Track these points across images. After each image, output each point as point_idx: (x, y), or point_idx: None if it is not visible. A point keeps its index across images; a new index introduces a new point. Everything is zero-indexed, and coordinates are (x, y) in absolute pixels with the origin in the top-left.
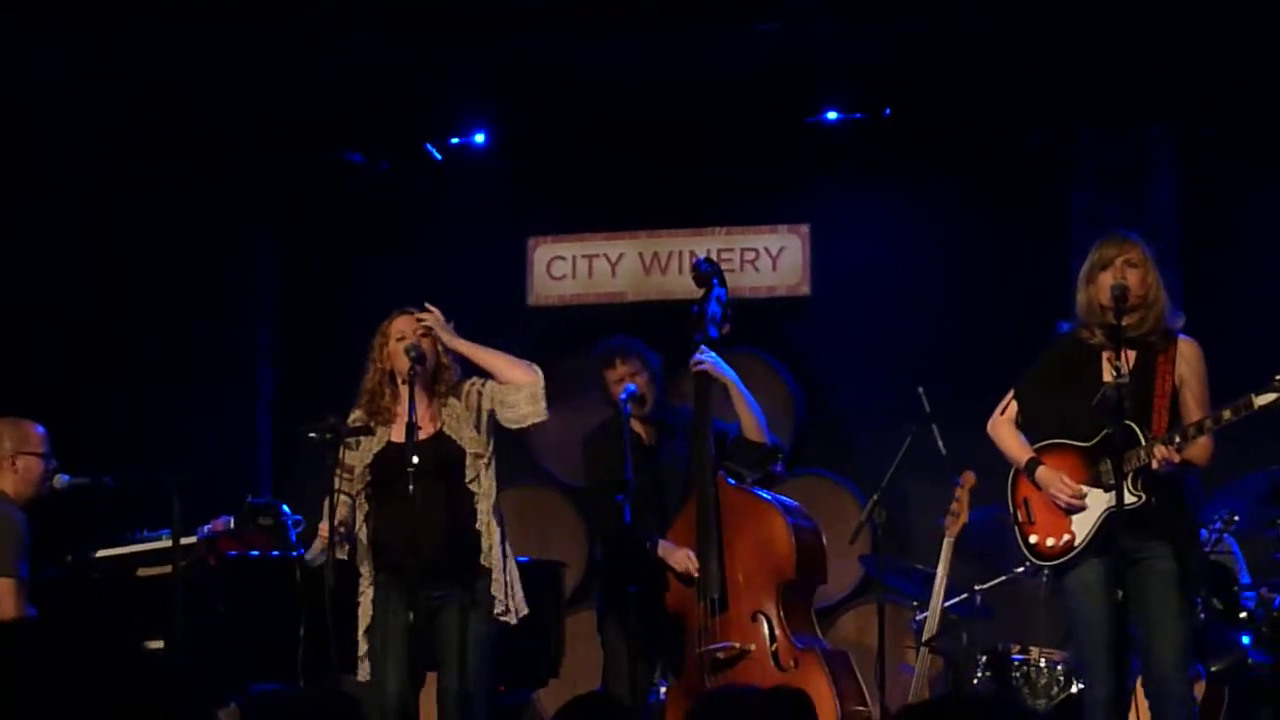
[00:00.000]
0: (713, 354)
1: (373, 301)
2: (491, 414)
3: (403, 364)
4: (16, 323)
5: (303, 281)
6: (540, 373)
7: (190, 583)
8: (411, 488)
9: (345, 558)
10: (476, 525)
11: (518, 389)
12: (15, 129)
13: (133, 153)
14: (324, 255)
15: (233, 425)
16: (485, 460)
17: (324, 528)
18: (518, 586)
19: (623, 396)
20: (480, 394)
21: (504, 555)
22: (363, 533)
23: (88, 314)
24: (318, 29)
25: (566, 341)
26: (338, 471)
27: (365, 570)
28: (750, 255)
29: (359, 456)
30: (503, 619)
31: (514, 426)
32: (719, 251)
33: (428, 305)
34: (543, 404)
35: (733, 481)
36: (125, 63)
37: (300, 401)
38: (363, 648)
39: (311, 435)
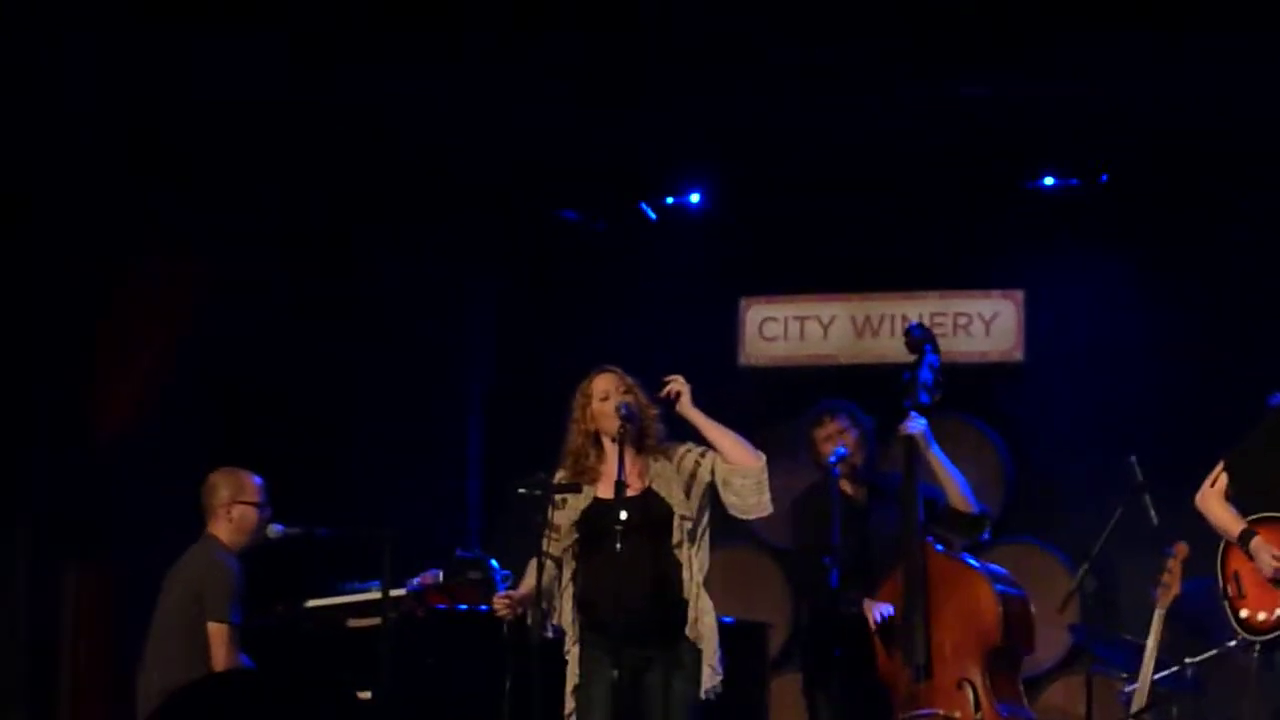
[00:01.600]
0: (923, 421)
1: (585, 358)
2: (712, 487)
3: (610, 424)
4: (234, 371)
5: (517, 337)
6: (764, 460)
7: (399, 635)
8: (619, 545)
9: (556, 622)
10: (683, 593)
11: (744, 474)
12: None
13: (355, 204)
14: (538, 312)
15: (443, 478)
16: (692, 524)
17: (504, 600)
18: (718, 665)
19: (832, 459)
20: (699, 464)
21: (713, 630)
22: (569, 591)
23: (302, 366)
24: (535, 86)
25: (777, 403)
26: (546, 531)
27: (571, 628)
28: (963, 320)
29: (566, 515)
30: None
31: (740, 515)
32: (932, 315)
33: (678, 378)
34: (768, 495)
35: (940, 548)
36: (342, 105)
37: (509, 457)
38: (569, 706)
39: (521, 491)
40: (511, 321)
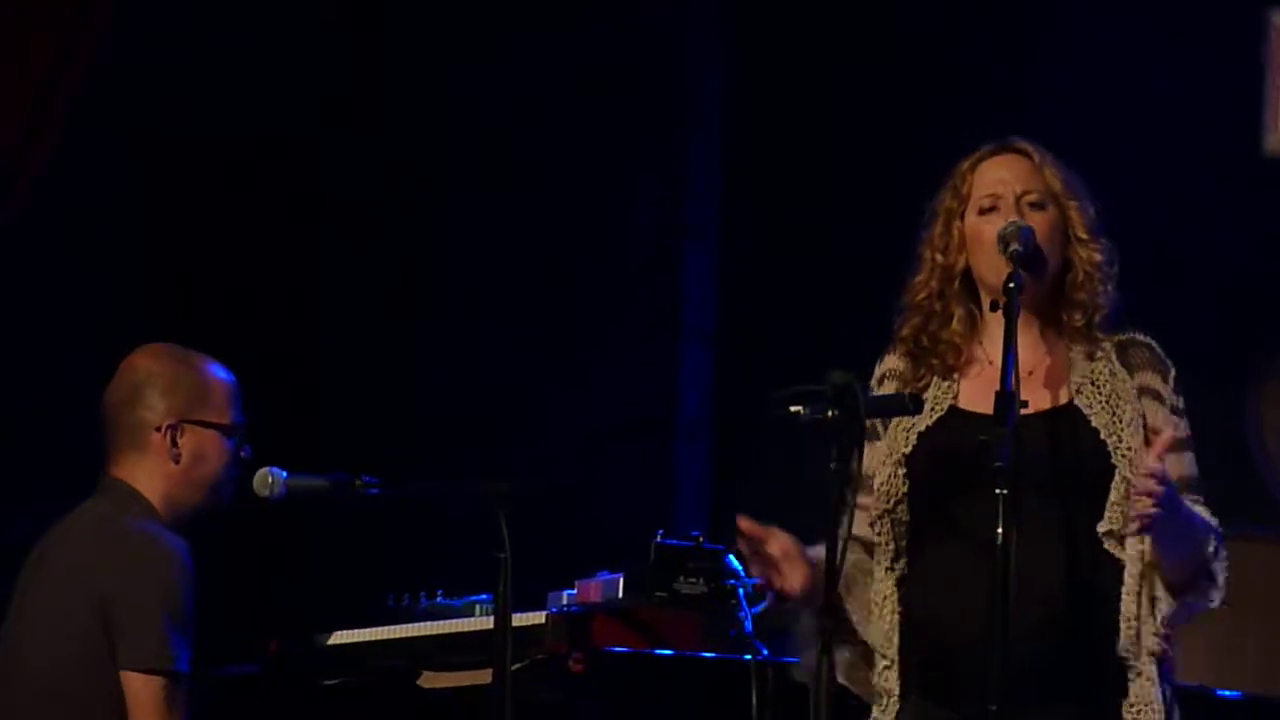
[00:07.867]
0: None
1: (929, 157)
2: None
3: (992, 265)
4: (190, 162)
5: (774, 101)
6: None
7: (531, 706)
8: (1000, 526)
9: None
10: (1120, 615)
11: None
12: None
13: None
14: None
15: (633, 384)
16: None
17: (790, 580)
18: None
19: None
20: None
21: (1166, 700)
22: (886, 607)
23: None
24: None
25: None
26: (850, 491)
27: (885, 679)
28: None
29: (886, 449)
30: None
31: None
32: None
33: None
34: None
35: None
36: None
37: (762, 338)
38: None
39: (797, 410)
40: (760, 91)
